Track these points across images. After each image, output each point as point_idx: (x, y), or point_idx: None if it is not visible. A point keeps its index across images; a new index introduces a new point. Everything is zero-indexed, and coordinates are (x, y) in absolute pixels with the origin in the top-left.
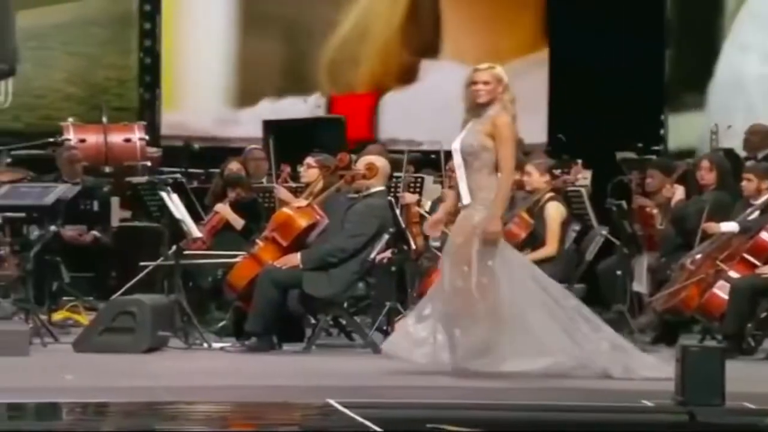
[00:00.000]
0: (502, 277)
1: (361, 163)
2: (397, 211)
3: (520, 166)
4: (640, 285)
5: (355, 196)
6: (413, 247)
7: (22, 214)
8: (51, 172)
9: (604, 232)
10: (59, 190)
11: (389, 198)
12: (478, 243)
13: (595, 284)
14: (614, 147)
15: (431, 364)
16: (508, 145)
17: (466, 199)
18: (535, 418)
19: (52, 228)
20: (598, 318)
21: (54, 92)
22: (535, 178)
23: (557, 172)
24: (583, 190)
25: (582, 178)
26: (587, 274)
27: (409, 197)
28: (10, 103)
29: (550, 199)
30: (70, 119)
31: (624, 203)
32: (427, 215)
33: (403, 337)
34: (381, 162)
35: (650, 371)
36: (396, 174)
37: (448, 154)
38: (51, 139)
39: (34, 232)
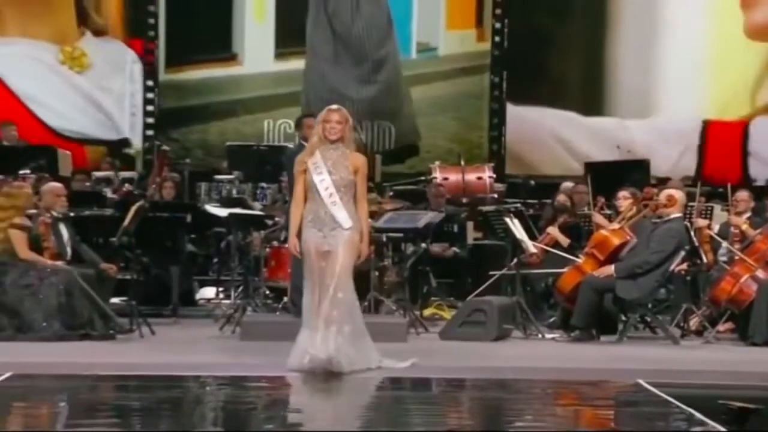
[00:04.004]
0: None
1: (663, 194)
2: (692, 233)
3: None
4: None
5: (657, 221)
6: (704, 261)
7: (401, 235)
8: (422, 202)
9: None
10: (428, 217)
11: (685, 222)
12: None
13: None
14: None
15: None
16: (366, 181)
17: (347, 223)
18: None
19: (423, 245)
20: None
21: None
22: None
23: None
24: None
25: None
26: None
27: (701, 222)
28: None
29: None
30: (437, 162)
31: None
32: (716, 237)
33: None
34: (679, 194)
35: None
36: (690, 203)
37: (734, 188)
38: (422, 177)
39: (410, 248)
